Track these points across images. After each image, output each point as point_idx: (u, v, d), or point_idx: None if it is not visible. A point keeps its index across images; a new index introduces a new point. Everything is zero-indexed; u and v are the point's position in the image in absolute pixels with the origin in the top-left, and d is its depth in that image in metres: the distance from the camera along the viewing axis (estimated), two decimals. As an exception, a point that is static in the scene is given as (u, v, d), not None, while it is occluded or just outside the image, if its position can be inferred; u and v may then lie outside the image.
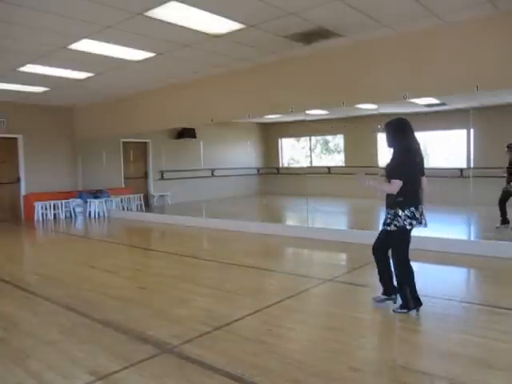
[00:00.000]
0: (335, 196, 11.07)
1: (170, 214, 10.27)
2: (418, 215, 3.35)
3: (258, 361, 2.67)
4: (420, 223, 3.38)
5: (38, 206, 10.40)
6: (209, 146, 11.14)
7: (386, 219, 3.48)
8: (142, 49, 6.28)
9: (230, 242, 7.25)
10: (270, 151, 14.80)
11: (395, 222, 3.39)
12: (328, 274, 4.68)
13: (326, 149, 14.41)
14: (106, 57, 6.59)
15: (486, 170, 8.21)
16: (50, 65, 7.04)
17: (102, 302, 3.98)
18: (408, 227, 3.36)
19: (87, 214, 10.87)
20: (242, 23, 5.32)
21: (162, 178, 11.94)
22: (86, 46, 6.01)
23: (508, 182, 6.63)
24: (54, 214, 10.64)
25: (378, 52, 6.13)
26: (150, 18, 5.00)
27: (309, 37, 5.94)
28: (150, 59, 6.80)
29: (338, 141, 13.66)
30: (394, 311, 3.43)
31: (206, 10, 4.83)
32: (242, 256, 5.99)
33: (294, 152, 15.20)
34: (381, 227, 3.57)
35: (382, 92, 6.07)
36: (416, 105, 7.80)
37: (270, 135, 14.57)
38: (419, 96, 6.24)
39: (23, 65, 7.01)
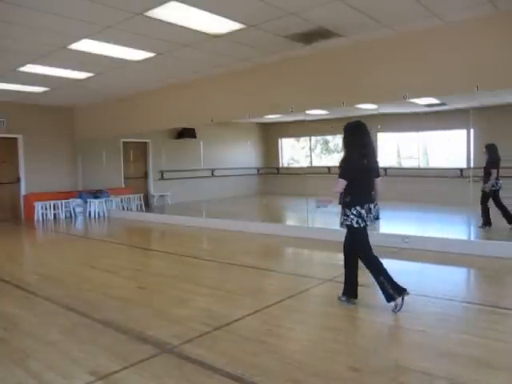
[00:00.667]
0: (335, 196, 11.04)
1: (169, 214, 10.27)
2: (364, 214, 3.53)
3: (258, 361, 2.67)
4: (365, 222, 3.56)
5: (38, 206, 10.40)
6: (209, 146, 11.15)
7: (340, 219, 3.69)
8: (142, 49, 6.28)
9: (229, 242, 7.25)
10: (270, 151, 14.80)
11: (346, 222, 3.59)
12: (328, 274, 4.68)
13: (326, 149, 14.42)
14: (105, 57, 6.59)
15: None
16: (50, 65, 7.04)
17: (102, 302, 3.98)
18: (355, 226, 3.55)
19: (87, 214, 10.87)
20: (242, 23, 5.32)
21: (162, 178, 11.94)
22: (86, 46, 6.01)
23: (485, 183, 6.65)
24: (54, 214, 10.64)
25: (377, 52, 6.13)
26: (150, 17, 5.00)
27: (309, 37, 5.94)
28: (149, 59, 6.80)
29: (338, 141, 13.66)
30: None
31: (206, 9, 4.83)
32: (242, 256, 5.99)
33: (293, 152, 15.21)
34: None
35: (382, 92, 6.07)
36: (416, 105, 7.81)
37: (270, 135, 14.57)
38: (419, 96, 6.24)
39: (23, 65, 7.01)
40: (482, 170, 6.73)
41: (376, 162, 3.73)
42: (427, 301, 3.82)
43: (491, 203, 6.69)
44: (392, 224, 7.73)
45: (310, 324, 3.40)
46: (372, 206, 3.61)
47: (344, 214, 3.60)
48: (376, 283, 3.57)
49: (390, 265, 5.36)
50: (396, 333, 3.08)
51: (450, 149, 10.87)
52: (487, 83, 5.22)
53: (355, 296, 3.72)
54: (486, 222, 6.69)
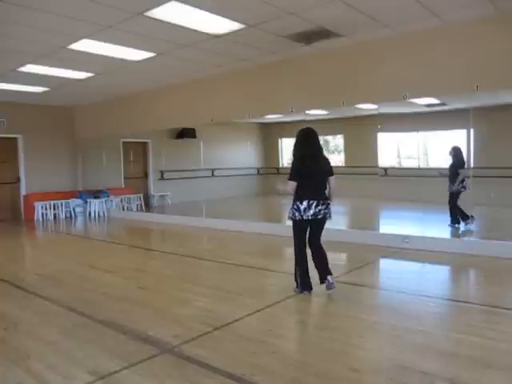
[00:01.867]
0: (335, 196, 11.04)
1: (169, 214, 10.27)
2: (302, 209, 3.89)
3: (258, 361, 2.67)
4: (302, 216, 3.90)
5: (38, 206, 10.40)
6: (209, 146, 11.13)
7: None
8: (142, 49, 6.28)
9: (230, 241, 7.25)
10: (270, 151, 14.78)
11: (290, 214, 3.98)
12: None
13: (326, 149, 14.42)
14: (106, 57, 6.59)
15: (485, 170, 8.21)
16: (50, 65, 7.04)
17: (102, 302, 3.98)
18: (294, 218, 3.94)
19: (87, 214, 10.88)
20: (242, 23, 5.32)
21: (162, 177, 11.94)
22: (85, 45, 6.01)
23: (452, 183, 6.74)
24: (54, 214, 10.64)
25: (378, 52, 6.13)
26: (150, 18, 5.00)
27: (309, 37, 5.94)
28: (149, 59, 6.80)
29: (337, 141, 13.66)
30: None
31: (205, 9, 4.83)
32: (243, 256, 5.99)
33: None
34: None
35: (382, 92, 6.07)
36: (416, 105, 7.80)
37: (270, 135, 14.56)
38: (419, 96, 6.24)
39: (23, 65, 7.01)
40: (448, 171, 6.89)
41: (327, 163, 4.07)
42: (427, 301, 3.82)
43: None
44: (392, 224, 7.73)
45: (310, 324, 3.40)
46: (314, 203, 3.90)
47: (291, 207, 3.99)
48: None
49: (390, 265, 5.40)
50: (396, 333, 3.08)
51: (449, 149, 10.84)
52: (487, 83, 5.22)
53: (309, 287, 4.01)
54: (463, 218, 6.77)
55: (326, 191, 4.02)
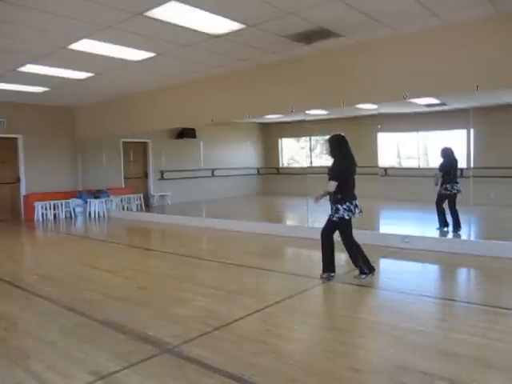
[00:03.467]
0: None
1: (170, 214, 10.27)
2: (353, 208, 4.31)
3: (258, 361, 2.67)
4: (353, 215, 4.34)
5: (38, 206, 10.40)
6: (209, 145, 11.13)
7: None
8: (142, 49, 6.28)
9: (229, 241, 7.25)
10: (270, 151, 14.78)
11: (340, 215, 4.31)
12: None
13: (327, 149, 14.40)
14: (105, 57, 6.59)
15: (485, 169, 8.21)
16: (50, 65, 7.04)
17: (102, 302, 3.98)
18: (349, 217, 4.33)
19: (87, 214, 10.88)
20: (242, 23, 5.32)
21: (162, 177, 11.94)
22: (85, 45, 6.01)
23: (441, 185, 6.63)
24: (54, 214, 10.64)
25: (378, 52, 6.13)
26: (150, 18, 5.00)
27: (309, 37, 5.94)
28: (149, 59, 6.80)
29: (338, 141, 13.64)
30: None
31: (205, 9, 4.82)
32: (242, 256, 5.99)
33: (294, 152, 15.19)
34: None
35: (382, 92, 6.07)
36: (416, 105, 7.79)
37: (270, 135, 14.55)
38: (419, 96, 6.24)
39: (23, 65, 7.01)
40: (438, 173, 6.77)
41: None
42: (427, 301, 3.83)
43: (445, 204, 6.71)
44: (392, 224, 7.73)
45: (310, 324, 3.40)
46: (356, 201, 4.39)
47: (335, 208, 4.37)
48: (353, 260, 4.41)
49: (390, 265, 5.39)
50: (396, 333, 3.08)
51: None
52: (487, 83, 5.22)
53: (334, 271, 4.46)
54: (439, 223, 6.70)
55: None
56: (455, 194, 6.54)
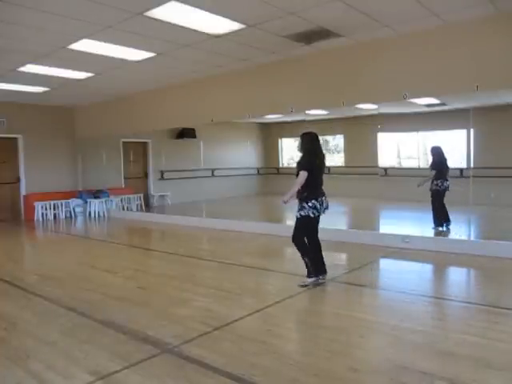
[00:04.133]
0: (335, 196, 11.07)
1: (169, 214, 10.27)
2: (318, 206, 4.21)
3: (258, 361, 2.67)
4: (319, 213, 4.24)
5: (38, 206, 10.40)
6: (209, 145, 11.13)
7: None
8: (142, 49, 6.28)
9: (229, 241, 7.25)
10: (270, 151, 14.78)
11: (305, 213, 4.19)
12: (328, 273, 4.67)
13: (326, 149, 14.41)
14: (105, 57, 6.59)
15: (485, 170, 8.21)
16: (50, 65, 7.04)
17: (102, 302, 3.98)
18: (313, 215, 4.20)
19: (87, 214, 10.87)
20: (242, 23, 5.32)
21: (162, 177, 11.94)
22: (85, 45, 6.00)
23: (432, 182, 6.74)
24: (54, 214, 10.64)
25: (378, 52, 6.13)
26: (150, 17, 5.00)
27: (309, 37, 5.94)
28: (149, 59, 6.80)
29: (337, 141, 13.66)
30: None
31: (205, 9, 4.82)
32: (242, 256, 5.99)
33: (294, 152, 15.19)
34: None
35: (382, 92, 6.07)
36: (416, 105, 7.80)
37: (270, 135, 14.56)
38: (419, 96, 6.24)
39: (23, 65, 7.01)
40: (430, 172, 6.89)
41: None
42: (427, 301, 3.83)
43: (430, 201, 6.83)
44: (392, 224, 7.73)
45: (310, 324, 3.40)
46: (323, 198, 4.31)
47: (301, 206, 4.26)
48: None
49: (390, 265, 5.40)
50: (396, 333, 3.08)
51: (449, 149, 10.85)
52: (487, 83, 5.22)
53: (325, 271, 4.34)
54: (441, 223, 6.77)
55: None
56: (444, 190, 6.68)
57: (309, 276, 4.27)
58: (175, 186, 11.77)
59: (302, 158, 4.31)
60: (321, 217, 4.32)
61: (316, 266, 4.26)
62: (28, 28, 5.29)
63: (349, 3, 4.77)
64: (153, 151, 11.87)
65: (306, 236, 4.31)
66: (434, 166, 6.78)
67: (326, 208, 4.31)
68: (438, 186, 6.67)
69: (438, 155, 6.82)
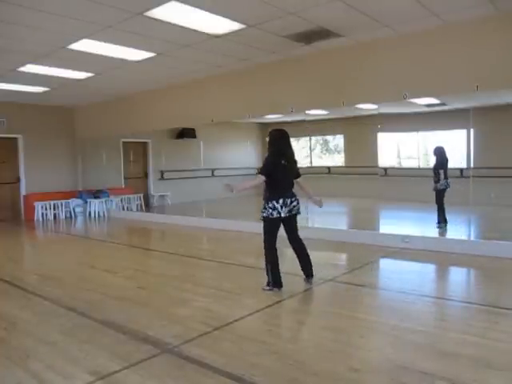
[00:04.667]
0: (335, 196, 11.10)
1: (169, 214, 10.27)
2: (279, 207, 4.01)
3: (258, 361, 2.67)
4: (280, 214, 4.01)
5: (38, 206, 10.40)
6: (209, 146, 11.13)
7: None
8: (142, 49, 6.28)
9: (229, 241, 7.25)
10: (270, 151, 14.76)
11: (265, 214, 4.05)
12: (328, 274, 4.68)
13: (326, 149, 14.40)
14: (105, 57, 6.59)
15: (485, 169, 8.21)
16: (50, 65, 7.04)
17: (102, 302, 3.98)
18: (272, 216, 4.02)
19: (87, 214, 10.88)
20: (242, 23, 5.32)
21: (162, 177, 11.94)
22: (85, 45, 6.00)
23: (436, 183, 6.91)
24: (54, 214, 10.64)
25: (378, 52, 6.13)
26: (150, 17, 5.00)
27: (309, 37, 5.94)
28: (149, 59, 6.80)
29: (337, 141, 13.66)
30: (263, 288, 4.08)
31: (205, 9, 4.82)
32: (242, 256, 5.99)
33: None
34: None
35: (382, 92, 6.07)
36: (416, 105, 7.79)
37: (270, 135, 14.54)
38: (419, 96, 6.24)
39: (23, 65, 7.01)
40: (432, 171, 7.06)
41: (296, 166, 4.29)
42: (427, 301, 3.83)
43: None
44: (392, 224, 7.73)
45: (310, 324, 3.40)
46: (288, 200, 4.10)
47: (263, 206, 4.12)
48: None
49: (390, 265, 5.40)
50: (396, 333, 3.08)
51: (449, 149, 10.85)
52: (487, 83, 5.22)
53: (281, 285, 4.09)
54: (438, 220, 6.95)
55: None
56: (444, 189, 6.86)
57: (267, 284, 4.11)
58: (175, 185, 11.77)
59: (264, 160, 4.14)
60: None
61: (274, 278, 4.06)
62: (28, 28, 5.29)
63: (349, 3, 4.77)
64: (153, 151, 11.87)
65: (286, 239, 4.18)
66: (438, 165, 6.94)
67: (293, 210, 4.09)
68: (441, 186, 6.84)
69: (440, 155, 6.97)
